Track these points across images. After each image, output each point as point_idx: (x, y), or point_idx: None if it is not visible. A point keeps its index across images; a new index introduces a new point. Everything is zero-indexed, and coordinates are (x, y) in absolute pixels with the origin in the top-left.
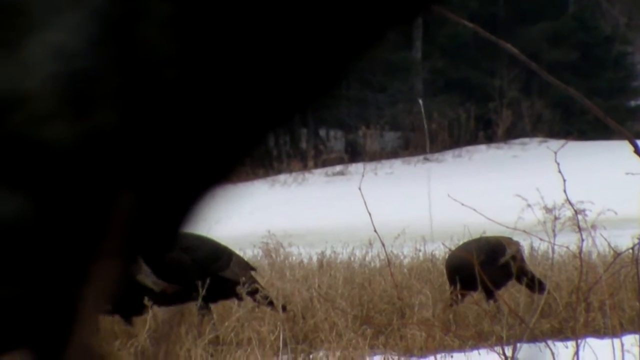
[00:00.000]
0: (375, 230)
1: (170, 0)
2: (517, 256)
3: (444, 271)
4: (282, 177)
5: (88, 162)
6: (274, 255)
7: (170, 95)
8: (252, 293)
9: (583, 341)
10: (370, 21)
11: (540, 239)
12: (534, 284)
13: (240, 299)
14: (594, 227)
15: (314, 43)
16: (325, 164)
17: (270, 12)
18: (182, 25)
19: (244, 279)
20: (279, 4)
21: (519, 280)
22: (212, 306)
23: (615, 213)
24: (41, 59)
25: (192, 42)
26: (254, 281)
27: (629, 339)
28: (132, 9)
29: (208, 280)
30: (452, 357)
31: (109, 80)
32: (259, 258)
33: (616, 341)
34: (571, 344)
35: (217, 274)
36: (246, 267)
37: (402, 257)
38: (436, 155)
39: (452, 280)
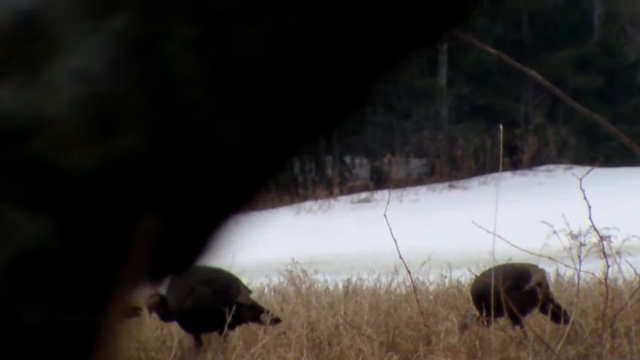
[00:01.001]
0: (400, 257)
1: (194, 22)
2: (543, 283)
3: (470, 297)
4: (307, 204)
5: (111, 186)
6: (298, 283)
7: (195, 117)
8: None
9: None
10: (391, 41)
11: (566, 266)
12: (560, 312)
13: (246, 322)
14: (619, 253)
15: (334, 63)
16: (350, 191)
17: (292, 31)
18: (207, 47)
19: (251, 302)
20: (301, 23)
21: (543, 308)
22: (238, 332)
23: None
24: (63, 82)
25: (216, 63)
26: (254, 303)
27: None
28: (155, 31)
29: (234, 308)
30: None
31: (132, 104)
32: (284, 285)
33: None
34: None
35: (234, 301)
36: (248, 290)
37: (427, 284)
38: (461, 182)
39: (478, 306)
